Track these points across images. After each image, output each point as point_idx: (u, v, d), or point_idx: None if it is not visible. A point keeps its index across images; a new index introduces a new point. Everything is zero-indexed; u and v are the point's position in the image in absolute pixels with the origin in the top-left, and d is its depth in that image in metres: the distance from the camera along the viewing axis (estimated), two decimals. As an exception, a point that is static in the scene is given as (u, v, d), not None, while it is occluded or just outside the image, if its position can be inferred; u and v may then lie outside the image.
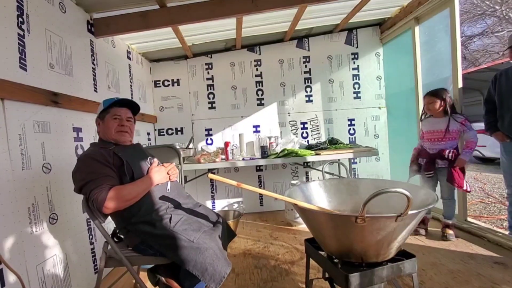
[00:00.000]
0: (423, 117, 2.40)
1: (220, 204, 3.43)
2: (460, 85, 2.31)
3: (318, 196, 1.48)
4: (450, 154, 2.13)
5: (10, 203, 1.28)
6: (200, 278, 1.19)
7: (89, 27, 2.07)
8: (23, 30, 1.45)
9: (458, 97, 2.32)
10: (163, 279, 1.36)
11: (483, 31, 11.38)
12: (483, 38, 11.67)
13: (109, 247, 1.32)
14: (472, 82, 7.82)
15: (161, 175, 1.38)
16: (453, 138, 2.16)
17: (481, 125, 6.25)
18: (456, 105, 2.29)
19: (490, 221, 2.93)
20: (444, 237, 2.23)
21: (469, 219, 2.44)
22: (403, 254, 1.17)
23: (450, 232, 2.23)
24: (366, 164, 3.47)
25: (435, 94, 2.22)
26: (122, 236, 1.42)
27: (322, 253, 1.27)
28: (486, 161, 6.31)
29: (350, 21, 2.99)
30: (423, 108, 2.36)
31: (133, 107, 1.50)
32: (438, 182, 2.28)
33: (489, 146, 5.71)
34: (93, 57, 2.09)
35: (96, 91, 2.09)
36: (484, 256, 1.93)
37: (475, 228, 2.31)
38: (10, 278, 1.23)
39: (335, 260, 1.18)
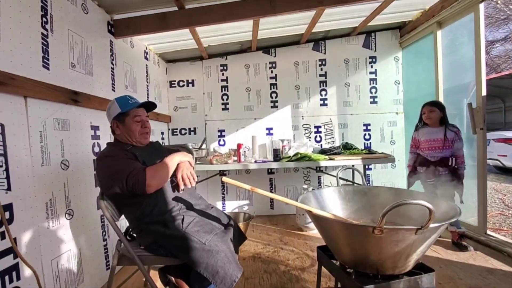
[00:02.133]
0: (419, 125, 2.42)
1: (230, 206, 3.43)
2: (484, 92, 2.22)
3: (332, 203, 1.44)
4: (454, 162, 2.22)
5: (29, 198, 1.32)
6: (210, 281, 1.18)
7: (109, 28, 2.11)
8: (46, 30, 1.49)
9: (482, 104, 2.23)
10: (173, 279, 1.36)
11: (506, 36, 10.97)
12: (506, 43, 11.25)
13: (122, 245, 1.33)
14: (493, 88, 7.54)
15: (181, 157, 1.39)
16: (449, 146, 2.24)
17: (502, 134, 6.01)
18: (479, 113, 2.22)
19: (510, 234, 2.80)
20: (464, 248, 2.17)
21: (488, 232, 2.34)
22: (421, 268, 1.12)
23: (468, 241, 2.22)
24: (381, 171, 3.39)
25: (434, 104, 2.32)
26: (135, 235, 1.43)
27: (335, 261, 1.24)
28: (507, 171, 6.06)
29: (369, 24, 2.94)
30: (420, 117, 2.39)
31: (150, 106, 1.51)
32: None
33: (510, 155, 5.49)
34: (112, 57, 2.13)
35: (114, 91, 2.12)
36: (504, 272, 1.84)
37: (494, 241, 2.21)
38: (26, 272, 1.26)
39: (349, 270, 1.15)
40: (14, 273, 1.21)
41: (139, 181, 1.18)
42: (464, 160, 2.22)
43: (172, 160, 1.34)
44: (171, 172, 1.32)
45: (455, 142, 2.23)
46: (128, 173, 1.20)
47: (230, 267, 1.20)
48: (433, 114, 2.28)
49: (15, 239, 1.21)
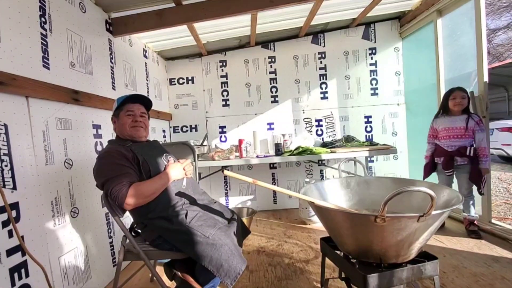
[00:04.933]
0: (440, 113, 2.33)
1: (234, 202, 3.45)
2: (486, 79, 2.20)
3: (334, 194, 1.45)
4: (471, 151, 2.14)
5: (34, 197, 1.34)
6: (215, 274, 1.19)
7: (108, 27, 2.11)
8: (45, 29, 1.49)
9: (484, 93, 2.21)
10: (179, 273, 1.38)
11: (508, 24, 10.80)
12: (508, 31, 11.08)
13: (127, 241, 1.35)
14: (496, 77, 7.46)
15: (177, 171, 1.40)
16: (469, 136, 2.17)
17: (506, 123, 5.96)
18: (481, 101, 2.20)
19: (516, 223, 2.79)
20: (473, 234, 2.20)
21: (493, 220, 2.34)
22: (425, 256, 1.13)
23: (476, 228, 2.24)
24: (384, 163, 3.38)
25: (464, 90, 2.20)
26: (139, 231, 1.45)
27: (339, 252, 1.25)
28: (511, 161, 6.02)
29: (368, 15, 2.91)
30: (448, 103, 2.23)
31: (146, 102, 1.52)
32: (455, 180, 2.29)
33: (515, 144, 5.45)
34: (111, 56, 2.13)
35: (114, 89, 2.13)
36: (509, 260, 1.84)
37: (499, 230, 2.21)
38: (34, 269, 1.28)
39: (352, 260, 1.16)
40: (23, 270, 1.23)
41: (119, 197, 1.18)
42: (488, 153, 2.11)
43: (165, 178, 1.34)
44: (161, 189, 1.31)
45: (476, 132, 2.13)
46: (114, 185, 1.19)
47: (234, 260, 1.21)
48: (465, 101, 2.17)
49: (22, 237, 1.23)
